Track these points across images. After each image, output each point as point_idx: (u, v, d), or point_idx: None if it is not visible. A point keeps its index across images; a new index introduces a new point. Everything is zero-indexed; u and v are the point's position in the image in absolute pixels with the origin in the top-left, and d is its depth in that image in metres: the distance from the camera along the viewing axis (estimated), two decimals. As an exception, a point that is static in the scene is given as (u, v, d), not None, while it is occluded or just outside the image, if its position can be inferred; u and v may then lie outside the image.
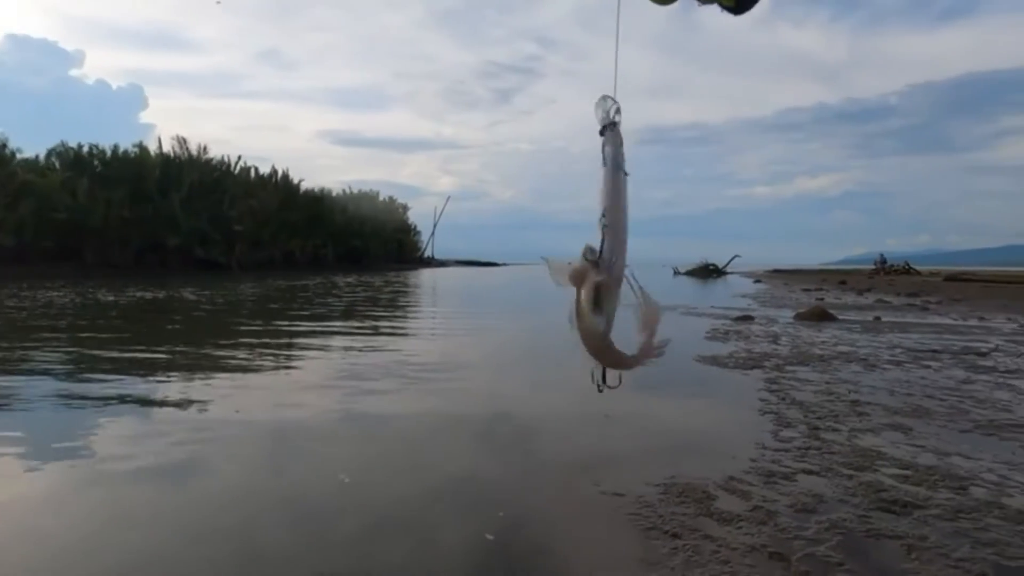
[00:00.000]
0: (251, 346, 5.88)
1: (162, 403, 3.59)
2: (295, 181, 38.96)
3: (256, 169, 36.32)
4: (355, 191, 49.18)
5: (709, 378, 4.44)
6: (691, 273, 30.73)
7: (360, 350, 5.78)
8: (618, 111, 1.38)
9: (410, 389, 4.02)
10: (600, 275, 1.23)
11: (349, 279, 23.43)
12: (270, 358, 5.21)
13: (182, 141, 32.40)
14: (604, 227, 1.29)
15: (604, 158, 1.34)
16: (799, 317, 8.79)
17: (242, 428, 3.05)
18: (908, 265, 31.53)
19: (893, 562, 1.72)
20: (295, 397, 3.81)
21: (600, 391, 1.32)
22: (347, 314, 9.55)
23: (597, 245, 1.27)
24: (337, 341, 6.41)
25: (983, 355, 5.45)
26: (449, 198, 66.11)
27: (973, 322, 8.63)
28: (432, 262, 58.33)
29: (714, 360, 5.05)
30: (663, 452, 2.72)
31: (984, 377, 4.43)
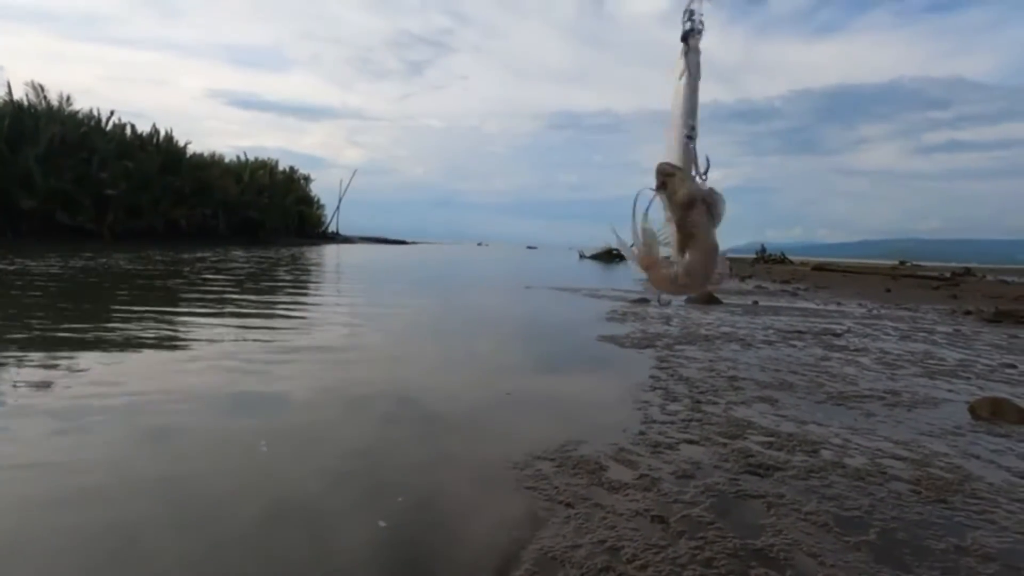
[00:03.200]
0: (126, 321, 5.31)
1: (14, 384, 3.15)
2: (180, 143, 35.31)
3: (133, 127, 32.39)
4: (252, 158, 45.65)
5: (607, 356, 4.68)
6: (595, 257, 31.96)
7: (252, 330, 5.42)
8: (702, 20, 1.28)
9: (310, 371, 3.85)
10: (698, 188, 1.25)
11: (240, 252, 21.82)
12: (144, 344, 4.74)
13: (38, 88, 28.12)
14: (691, 140, 1.27)
15: (687, 68, 1.25)
16: (690, 301, 9.47)
17: (109, 416, 2.76)
18: (784, 255, 35.11)
19: (755, 519, 1.93)
20: (180, 381, 3.50)
21: (659, 302, 1.43)
22: (239, 292, 8.91)
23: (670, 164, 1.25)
24: (223, 321, 5.97)
25: (838, 336, 6.21)
26: (356, 171, 63.32)
27: (832, 307, 9.80)
28: (337, 238, 55.77)
29: (612, 339, 5.32)
30: (561, 427, 2.83)
31: (838, 355, 5.05)
